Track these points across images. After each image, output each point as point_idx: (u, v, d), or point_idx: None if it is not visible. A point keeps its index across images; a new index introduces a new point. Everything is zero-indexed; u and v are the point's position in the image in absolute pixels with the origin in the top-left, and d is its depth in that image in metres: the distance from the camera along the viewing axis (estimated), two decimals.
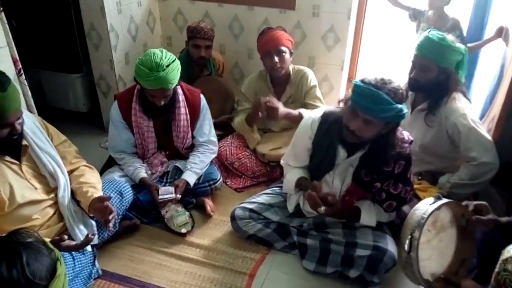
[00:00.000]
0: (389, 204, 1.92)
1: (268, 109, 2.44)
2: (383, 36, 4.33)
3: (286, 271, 2.02)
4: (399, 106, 1.63)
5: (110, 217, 1.80)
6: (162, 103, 2.14)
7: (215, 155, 2.46)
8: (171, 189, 2.20)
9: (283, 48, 2.50)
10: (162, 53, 2.06)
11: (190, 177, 2.27)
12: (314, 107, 2.56)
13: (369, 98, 1.62)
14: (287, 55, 2.53)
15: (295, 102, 2.67)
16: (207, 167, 2.38)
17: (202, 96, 2.37)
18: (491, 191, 2.37)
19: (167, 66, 2.02)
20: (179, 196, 2.19)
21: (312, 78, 2.66)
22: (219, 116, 2.94)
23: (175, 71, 2.06)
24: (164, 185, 2.32)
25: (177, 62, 2.09)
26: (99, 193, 1.89)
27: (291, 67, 2.64)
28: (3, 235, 1.04)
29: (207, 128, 2.40)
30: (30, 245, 1.01)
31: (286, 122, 2.66)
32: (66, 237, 1.70)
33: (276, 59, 2.49)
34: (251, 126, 2.64)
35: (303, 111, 2.52)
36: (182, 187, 2.23)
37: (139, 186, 2.26)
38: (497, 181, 2.13)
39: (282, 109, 2.47)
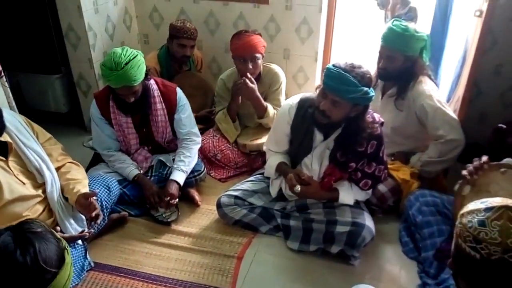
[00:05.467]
0: (365, 183, 2.03)
1: (244, 86, 2.54)
2: (354, 27, 4.46)
3: (272, 252, 2.11)
4: (365, 89, 1.76)
5: (94, 214, 1.85)
6: (132, 99, 2.15)
7: (199, 145, 2.50)
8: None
9: (258, 55, 2.61)
10: (122, 51, 2.06)
11: (179, 177, 2.30)
12: (274, 105, 2.69)
13: (337, 79, 1.75)
14: (259, 61, 2.64)
15: (265, 100, 2.75)
16: (195, 161, 2.41)
17: (178, 89, 2.38)
18: (461, 169, 2.51)
19: (126, 64, 2.01)
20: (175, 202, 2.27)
21: (283, 80, 2.76)
22: (200, 111, 3.01)
23: (135, 67, 2.04)
24: (149, 179, 2.37)
25: (139, 58, 2.08)
26: (85, 189, 1.92)
27: (261, 67, 2.72)
28: (12, 224, 1.09)
29: (187, 120, 2.41)
30: (41, 234, 1.07)
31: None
32: (58, 228, 1.76)
33: (250, 65, 2.59)
34: (233, 117, 2.72)
35: (270, 106, 2.64)
36: (176, 191, 2.26)
37: (126, 180, 2.31)
38: (466, 160, 2.27)
39: (256, 90, 2.58)
